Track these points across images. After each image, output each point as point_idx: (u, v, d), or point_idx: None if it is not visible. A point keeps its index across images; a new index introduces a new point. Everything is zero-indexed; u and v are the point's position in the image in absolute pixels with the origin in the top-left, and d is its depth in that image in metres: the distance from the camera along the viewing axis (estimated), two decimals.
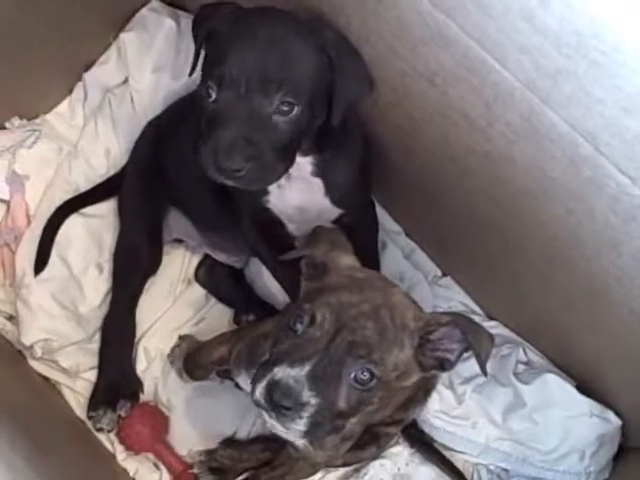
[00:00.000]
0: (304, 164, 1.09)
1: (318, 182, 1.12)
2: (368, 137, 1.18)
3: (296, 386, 0.81)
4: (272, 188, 1.12)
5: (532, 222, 1.02)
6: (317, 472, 1.24)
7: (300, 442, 1.01)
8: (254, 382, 0.85)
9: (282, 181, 1.08)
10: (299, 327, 0.85)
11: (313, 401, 0.81)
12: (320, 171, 1.11)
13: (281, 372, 0.82)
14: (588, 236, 0.93)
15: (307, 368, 0.82)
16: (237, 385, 1.28)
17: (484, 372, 0.85)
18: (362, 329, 0.83)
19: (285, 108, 0.96)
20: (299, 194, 1.13)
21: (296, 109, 0.96)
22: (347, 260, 0.93)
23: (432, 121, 1.02)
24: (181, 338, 1.36)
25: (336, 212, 1.18)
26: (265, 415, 0.86)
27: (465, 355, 1.30)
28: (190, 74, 1.05)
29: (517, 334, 1.34)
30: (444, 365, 0.88)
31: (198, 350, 1.27)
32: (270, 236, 1.19)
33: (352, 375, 0.83)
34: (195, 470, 1.28)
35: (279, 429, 0.86)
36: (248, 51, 0.95)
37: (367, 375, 0.83)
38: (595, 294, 1.03)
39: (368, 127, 1.18)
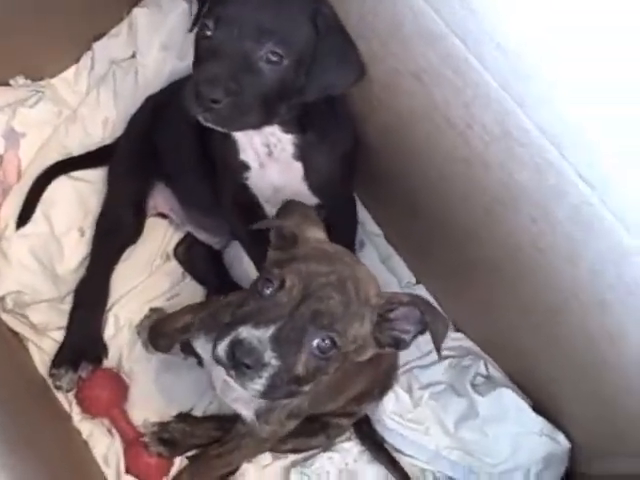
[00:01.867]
0: (287, 143, 1.12)
1: (298, 165, 1.15)
2: (356, 133, 1.20)
3: (259, 346, 0.83)
4: (253, 165, 1.16)
5: (500, 231, 1.04)
6: (264, 451, 1.25)
7: (248, 414, 1.03)
8: (217, 339, 0.86)
9: (264, 159, 1.12)
10: (267, 291, 0.87)
11: (274, 362, 0.83)
12: (302, 154, 1.14)
13: (246, 332, 0.84)
14: (549, 247, 0.95)
15: (271, 330, 0.83)
16: (199, 363, 1.30)
17: (439, 354, 0.88)
18: (328, 299, 0.85)
19: (273, 58, 1.00)
20: (278, 175, 1.16)
21: (284, 62, 1.01)
22: (317, 234, 0.96)
23: (418, 122, 1.04)
24: (152, 310, 1.38)
25: (313, 200, 1.20)
26: (223, 372, 0.87)
27: (427, 362, 1.34)
28: (191, 29, 1.08)
29: (481, 348, 1.36)
30: (399, 344, 0.90)
31: (164, 319, 1.29)
32: (248, 216, 1.21)
33: (315, 343, 0.85)
34: (146, 439, 1.29)
35: (236, 387, 0.88)
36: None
37: (328, 344, 0.85)
38: (553, 310, 1.04)
39: (358, 124, 1.21)
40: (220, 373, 0.94)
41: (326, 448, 1.29)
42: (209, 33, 1.00)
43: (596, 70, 0.73)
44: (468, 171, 1.00)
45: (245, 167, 1.16)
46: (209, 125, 1.03)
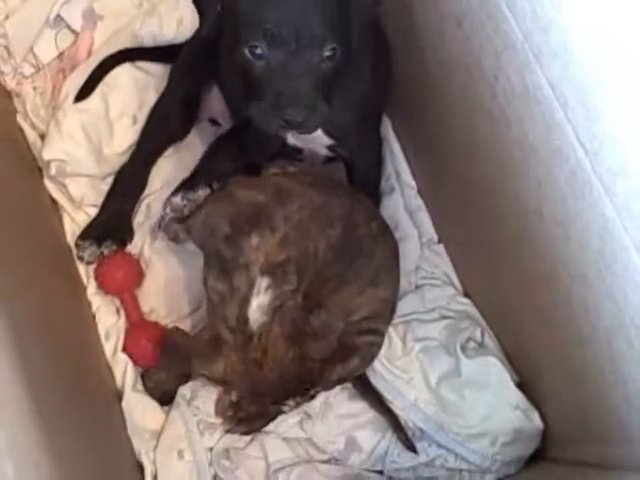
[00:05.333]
0: None
1: None
2: (386, 72, 1.24)
3: None
4: None
5: (510, 193, 1.05)
6: None
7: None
8: None
9: None
10: None
11: None
12: None
13: None
14: (549, 213, 0.95)
15: None
16: None
17: None
18: None
19: (330, 54, 1.04)
20: None
21: (337, 52, 1.05)
22: None
23: (456, 69, 1.06)
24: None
25: (328, 141, 1.25)
26: None
27: (427, 317, 1.36)
28: (204, 29, 1.13)
29: (484, 317, 1.37)
30: None
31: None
32: None
33: None
34: (225, 426, 1.29)
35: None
36: (289, 8, 1.02)
37: None
38: (545, 280, 1.05)
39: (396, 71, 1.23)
40: None
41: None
42: (262, 55, 1.03)
43: (610, 26, 0.74)
44: (491, 125, 1.01)
45: None
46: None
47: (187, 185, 1.35)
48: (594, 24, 0.75)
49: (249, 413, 1.28)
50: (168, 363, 1.32)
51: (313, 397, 1.24)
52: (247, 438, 1.32)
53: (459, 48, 1.02)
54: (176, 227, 1.35)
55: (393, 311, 1.29)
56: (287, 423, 1.32)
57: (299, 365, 1.15)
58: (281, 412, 1.28)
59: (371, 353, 1.26)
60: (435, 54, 1.11)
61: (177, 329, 1.34)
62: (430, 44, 1.11)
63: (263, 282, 1.13)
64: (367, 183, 1.35)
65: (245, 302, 1.14)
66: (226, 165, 1.37)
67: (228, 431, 1.30)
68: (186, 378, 1.32)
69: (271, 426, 1.30)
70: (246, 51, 1.04)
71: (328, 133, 1.23)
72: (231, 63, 1.18)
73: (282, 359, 1.15)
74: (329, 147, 1.28)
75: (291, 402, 1.21)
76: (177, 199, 1.33)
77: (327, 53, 1.04)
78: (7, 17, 1.46)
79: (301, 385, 1.19)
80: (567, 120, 0.82)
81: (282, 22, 1.01)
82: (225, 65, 1.32)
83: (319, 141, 1.26)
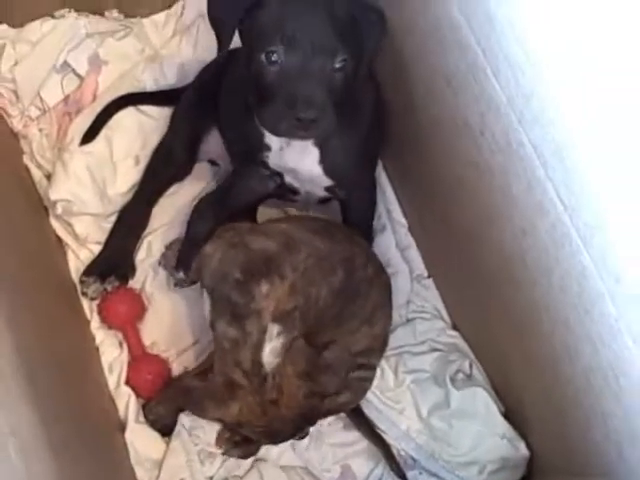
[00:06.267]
0: None
1: (315, 151, 1.26)
2: (382, 120, 1.31)
3: None
4: (274, 147, 1.26)
5: (493, 239, 1.12)
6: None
7: None
8: None
9: (284, 143, 1.24)
10: None
11: None
12: (320, 140, 1.24)
13: None
14: (533, 260, 1.02)
15: None
16: None
17: None
18: None
19: (342, 65, 1.11)
20: (295, 158, 1.27)
21: (348, 65, 1.12)
22: None
23: (443, 122, 1.14)
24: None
25: (327, 181, 1.31)
26: None
27: (418, 350, 1.42)
28: (222, 49, 1.18)
29: (471, 349, 1.43)
30: None
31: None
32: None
33: None
34: (222, 449, 1.35)
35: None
36: (306, 16, 1.10)
37: None
38: (531, 321, 1.12)
39: (390, 118, 1.31)
40: None
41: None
42: (278, 61, 1.09)
43: (587, 97, 0.81)
44: (477, 175, 1.08)
45: (267, 148, 1.27)
46: (300, 139, 1.17)
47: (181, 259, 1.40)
48: (572, 94, 0.82)
49: (245, 437, 1.35)
50: (167, 399, 1.38)
51: (307, 434, 1.31)
52: (246, 466, 1.37)
53: (447, 104, 1.09)
54: (181, 275, 1.41)
55: (385, 345, 1.35)
56: (280, 448, 1.37)
57: (310, 400, 1.21)
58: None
59: (363, 387, 1.33)
60: (424, 107, 1.18)
61: (187, 373, 1.40)
62: (420, 98, 1.18)
63: (274, 329, 1.19)
64: (362, 222, 1.42)
65: (259, 347, 1.19)
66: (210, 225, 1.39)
67: (224, 454, 1.35)
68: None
69: (263, 451, 1.36)
70: (262, 56, 1.10)
71: (328, 174, 1.29)
72: (237, 89, 1.26)
73: (296, 396, 1.20)
74: (327, 188, 1.34)
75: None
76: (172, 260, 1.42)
77: (338, 64, 1.10)
78: (16, 63, 1.53)
79: (307, 420, 1.25)
80: (547, 177, 0.89)
81: (299, 30, 1.08)
82: (229, 96, 1.38)
83: (318, 182, 1.32)
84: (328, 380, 1.21)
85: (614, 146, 0.79)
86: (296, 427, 1.24)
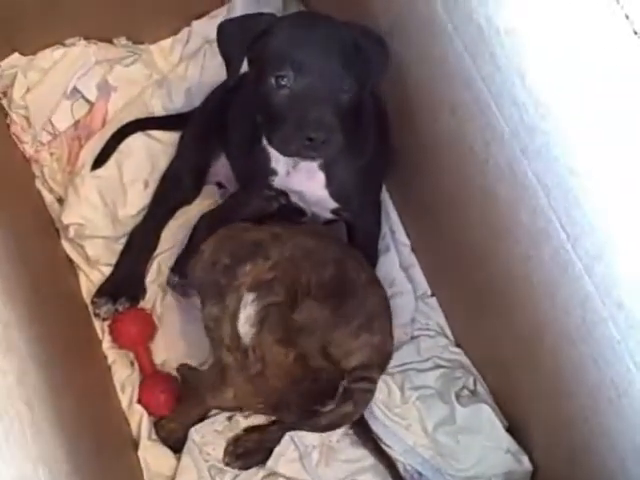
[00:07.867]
0: None
1: (321, 175, 1.29)
2: (387, 144, 1.36)
3: None
4: (281, 172, 1.30)
5: (498, 261, 1.16)
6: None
7: None
8: None
9: (290, 168, 1.27)
10: None
11: None
12: (326, 164, 1.28)
13: None
14: (538, 282, 1.06)
15: None
16: None
17: None
18: None
19: (348, 88, 1.15)
20: (301, 182, 1.31)
21: (354, 87, 1.15)
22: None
23: (449, 148, 1.17)
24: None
25: (334, 204, 1.35)
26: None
27: (423, 367, 1.46)
28: (232, 76, 1.20)
29: (475, 366, 1.47)
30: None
31: None
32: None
33: None
34: (224, 461, 1.40)
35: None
36: (314, 43, 1.14)
37: None
38: (535, 338, 1.15)
39: (395, 141, 1.36)
40: None
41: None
42: (284, 82, 1.12)
43: (588, 132, 0.85)
44: (483, 199, 1.12)
45: (273, 172, 1.31)
46: (311, 160, 1.21)
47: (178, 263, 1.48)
48: (574, 129, 0.86)
49: (247, 448, 1.40)
50: (181, 411, 1.42)
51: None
52: None
53: (452, 131, 1.13)
54: (175, 279, 1.48)
55: (387, 361, 1.37)
56: (286, 458, 1.41)
57: (303, 365, 1.21)
58: (276, 444, 1.39)
59: (365, 399, 1.33)
60: (430, 134, 1.22)
61: (184, 365, 1.45)
62: (425, 126, 1.22)
63: (249, 296, 1.20)
64: (368, 243, 1.46)
65: (234, 317, 1.21)
66: None
67: (227, 464, 1.39)
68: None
69: (271, 464, 1.40)
70: (272, 80, 1.13)
71: (335, 197, 1.33)
72: (245, 114, 1.30)
73: (283, 364, 1.20)
74: (333, 211, 1.38)
75: (328, 406, 1.26)
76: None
77: (345, 88, 1.14)
78: (28, 90, 1.57)
79: (320, 384, 1.23)
80: (550, 207, 0.93)
81: (307, 56, 1.12)
82: (236, 121, 1.42)
83: (324, 204, 1.36)
84: (305, 340, 1.20)
85: (617, 180, 0.82)
86: (312, 396, 1.24)
